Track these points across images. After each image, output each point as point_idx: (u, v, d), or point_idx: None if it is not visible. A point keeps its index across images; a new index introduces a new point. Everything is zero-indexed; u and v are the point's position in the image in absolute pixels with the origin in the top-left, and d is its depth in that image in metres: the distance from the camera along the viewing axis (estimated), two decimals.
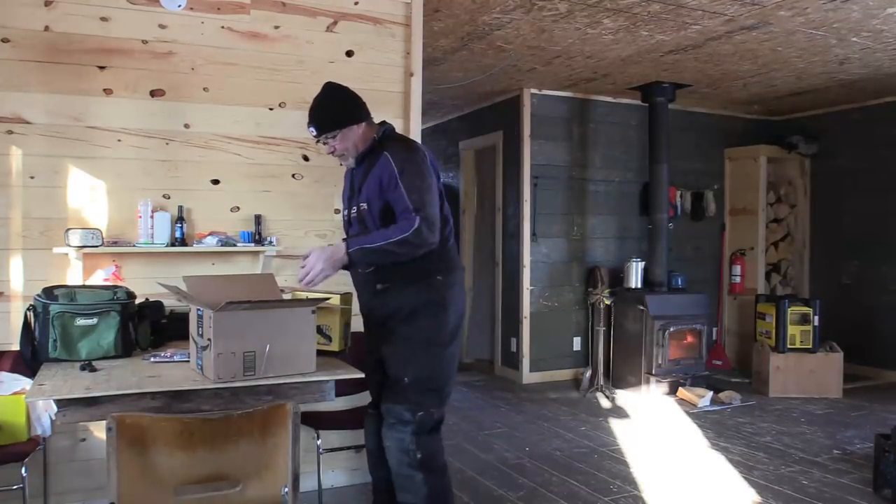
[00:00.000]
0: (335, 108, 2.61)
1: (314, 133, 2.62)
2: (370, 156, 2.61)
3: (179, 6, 3.26)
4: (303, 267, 2.49)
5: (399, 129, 3.69)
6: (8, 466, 2.64)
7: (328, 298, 2.58)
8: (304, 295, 2.62)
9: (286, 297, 2.68)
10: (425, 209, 2.44)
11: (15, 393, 2.76)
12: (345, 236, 2.75)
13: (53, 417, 2.23)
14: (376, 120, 2.72)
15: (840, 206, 6.86)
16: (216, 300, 2.20)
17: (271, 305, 2.32)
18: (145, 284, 3.05)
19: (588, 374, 5.97)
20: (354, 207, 2.65)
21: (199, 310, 2.29)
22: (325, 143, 2.64)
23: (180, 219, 3.23)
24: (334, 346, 2.63)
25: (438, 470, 2.59)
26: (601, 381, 5.83)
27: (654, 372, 5.70)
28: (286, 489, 2.04)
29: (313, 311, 2.39)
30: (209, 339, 2.20)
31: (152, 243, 3.16)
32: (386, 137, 2.65)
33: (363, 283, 2.67)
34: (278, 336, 2.28)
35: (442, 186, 2.64)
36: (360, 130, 2.62)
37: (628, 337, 5.96)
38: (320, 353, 2.58)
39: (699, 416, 5.10)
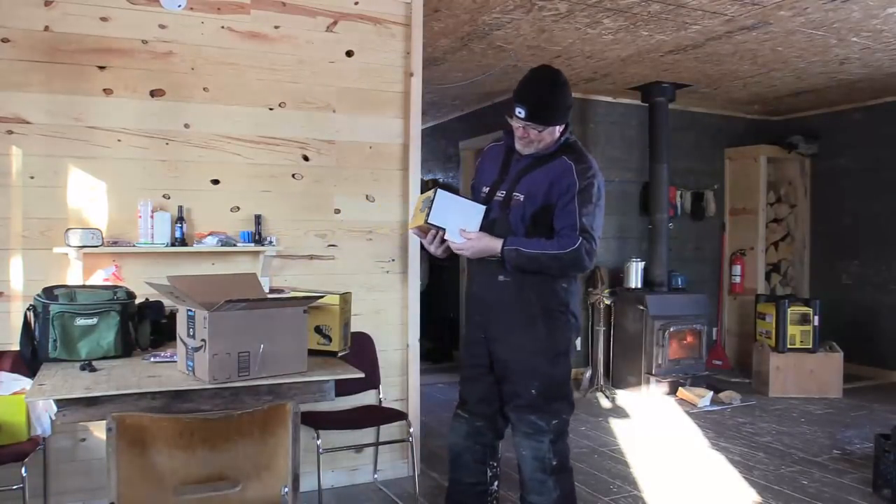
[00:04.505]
0: (558, 107, 2.47)
1: (522, 115, 2.42)
2: (547, 154, 2.51)
3: (179, 6, 3.26)
4: (465, 239, 2.48)
5: (399, 129, 3.72)
6: (8, 466, 2.63)
7: (321, 297, 2.57)
8: (298, 294, 2.62)
9: (284, 296, 2.68)
10: (590, 234, 2.43)
11: (15, 393, 2.76)
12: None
13: (53, 417, 2.23)
14: None
15: (840, 206, 6.86)
16: (203, 301, 2.19)
17: (266, 304, 2.32)
18: (145, 284, 3.05)
19: (588, 374, 5.96)
20: (502, 192, 2.53)
21: (189, 310, 2.29)
22: (523, 126, 2.47)
23: (180, 219, 3.22)
24: (334, 346, 2.63)
25: (568, 470, 2.60)
26: (601, 381, 5.83)
27: (654, 372, 5.70)
28: (286, 489, 2.04)
29: (305, 311, 2.39)
30: (203, 340, 2.19)
31: (152, 243, 3.16)
32: (568, 143, 2.54)
33: (483, 270, 2.58)
34: (271, 335, 2.28)
35: None
36: (558, 133, 2.51)
37: (628, 337, 5.96)
38: (320, 353, 2.59)
39: (699, 416, 5.09)
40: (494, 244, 2.46)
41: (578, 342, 6.42)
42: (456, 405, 2.78)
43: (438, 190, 2.54)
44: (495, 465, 2.74)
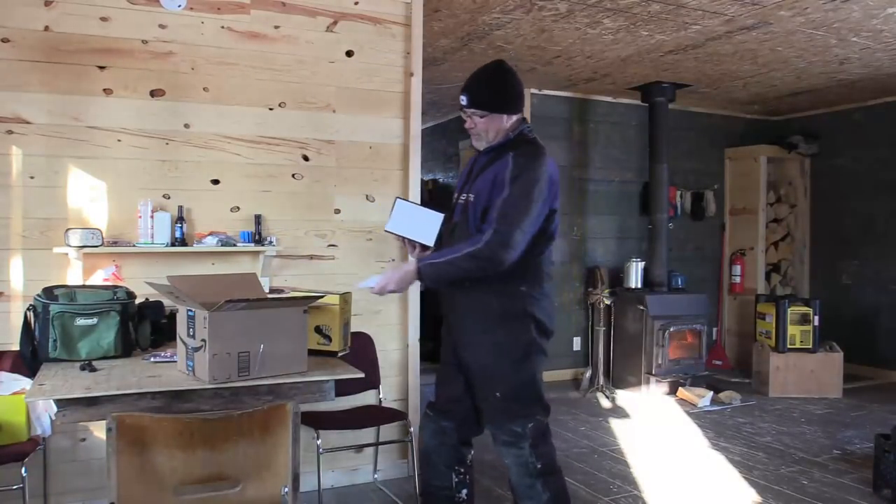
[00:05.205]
0: (498, 91, 2.48)
1: (464, 102, 2.47)
2: (499, 149, 2.47)
3: (179, 6, 3.26)
4: (378, 283, 2.48)
5: (399, 129, 3.72)
6: (8, 466, 2.63)
7: (321, 297, 2.58)
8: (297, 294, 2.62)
9: (284, 296, 2.68)
10: (506, 227, 2.31)
11: (15, 393, 2.76)
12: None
13: (53, 417, 2.23)
14: None
15: (840, 206, 6.86)
16: (203, 301, 2.20)
17: (266, 304, 2.32)
18: (145, 284, 3.05)
19: (588, 374, 5.96)
20: (464, 195, 2.52)
21: (189, 310, 2.29)
22: (468, 116, 2.49)
23: (180, 219, 3.23)
24: (334, 346, 2.63)
25: (555, 472, 2.54)
26: (601, 381, 5.83)
27: (654, 372, 5.70)
28: (286, 489, 2.04)
29: (305, 311, 2.39)
30: (203, 340, 2.19)
31: (152, 243, 3.16)
32: (520, 137, 2.50)
33: None
34: (271, 335, 2.28)
35: (557, 204, 2.53)
36: (507, 123, 2.48)
37: (628, 337, 5.96)
38: (320, 353, 2.58)
39: (699, 416, 5.10)
40: (409, 267, 2.44)
41: (578, 342, 6.45)
42: (427, 407, 2.73)
43: (397, 200, 2.61)
44: (462, 471, 2.66)
